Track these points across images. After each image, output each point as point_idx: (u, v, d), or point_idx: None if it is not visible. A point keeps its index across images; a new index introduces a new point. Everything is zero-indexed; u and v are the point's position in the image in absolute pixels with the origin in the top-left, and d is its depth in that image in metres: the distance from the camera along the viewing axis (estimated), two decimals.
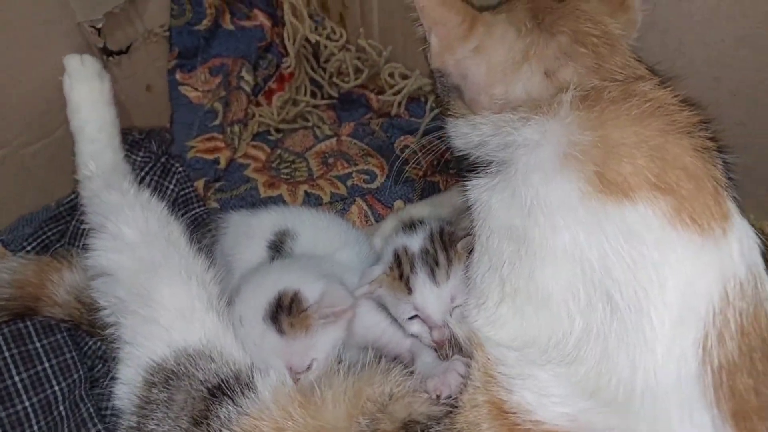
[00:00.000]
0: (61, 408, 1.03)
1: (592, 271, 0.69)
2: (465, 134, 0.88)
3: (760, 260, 0.71)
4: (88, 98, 1.09)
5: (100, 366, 1.07)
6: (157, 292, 0.85)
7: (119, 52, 1.21)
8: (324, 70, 1.42)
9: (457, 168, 1.30)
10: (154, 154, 1.21)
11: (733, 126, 1.08)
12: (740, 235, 0.70)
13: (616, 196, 0.68)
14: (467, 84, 0.86)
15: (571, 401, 0.67)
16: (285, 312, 0.83)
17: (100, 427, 1.02)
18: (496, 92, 0.83)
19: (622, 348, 0.67)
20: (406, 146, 1.33)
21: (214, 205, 1.24)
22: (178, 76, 1.30)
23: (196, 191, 1.22)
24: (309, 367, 0.83)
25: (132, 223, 0.92)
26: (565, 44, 0.81)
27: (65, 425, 1.02)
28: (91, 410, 1.03)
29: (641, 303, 0.67)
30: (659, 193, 0.68)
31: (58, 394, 1.04)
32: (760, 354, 0.66)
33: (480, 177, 0.81)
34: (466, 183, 0.83)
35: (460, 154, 0.91)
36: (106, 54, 1.18)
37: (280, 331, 0.83)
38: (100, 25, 1.13)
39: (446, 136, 0.93)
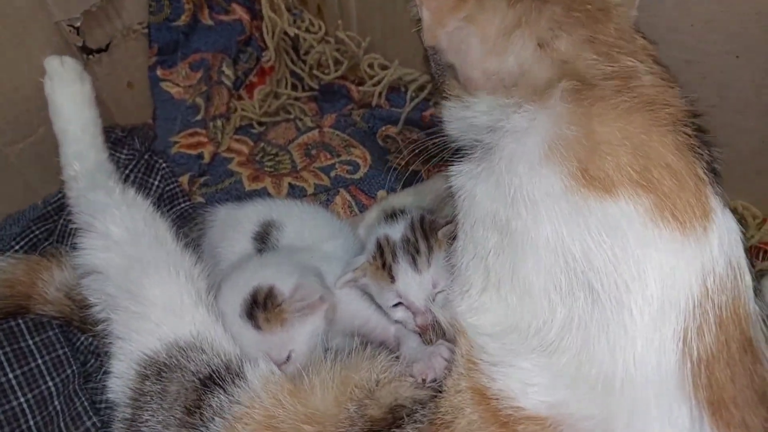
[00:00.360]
0: (56, 403, 1.04)
1: (574, 262, 0.70)
2: (459, 118, 0.86)
3: (741, 253, 0.72)
4: (70, 100, 1.09)
5: (92, 361, 1.08)
6: (146, 289, 0.87)
7: (99, 51, 1.21)
8: (304, 62, 1.43)
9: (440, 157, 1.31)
10: (137, 151, 1.22)
11: (704, 109, 1.10)
12: (721, 231, 0.70)
13: (598, 192, 0.69)
14: (460, 59, 0.84)
15: (551, 391, 0.69)
16: (260, 308, 0.85)
17: (95, 419, 1.03)
18: (490, 66, 0.81)
19: (603, 338, 0.68)
20: (388, 136, 1.35)
21: (200, 199, 1.25)
22: (158, 72, 1.31)
23: (181, 186, 1.23)
24: (288, 358, 0.85)
25: (119, 222, 0.93)
26: (559, 13, 0.79)
27: (60, 419, 1.03)
28: (86, 404, 1.05)
29: (622, 296, 0.68)
30: (641, 191, 0.69)
31: (53, 389, 1.05)
32: (737, 344, 0.68)
33: (464, 163, 0.81)
34: (451, 169, 0.83)
35: (454, 143, 0.90)
36: (85, 52, 1.18)
37: (257, 326, 0.84)
38: (78, 24, 1.14)
39: (442, 121, 0.91)
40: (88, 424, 1.04)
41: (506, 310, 0.75)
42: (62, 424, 1.03)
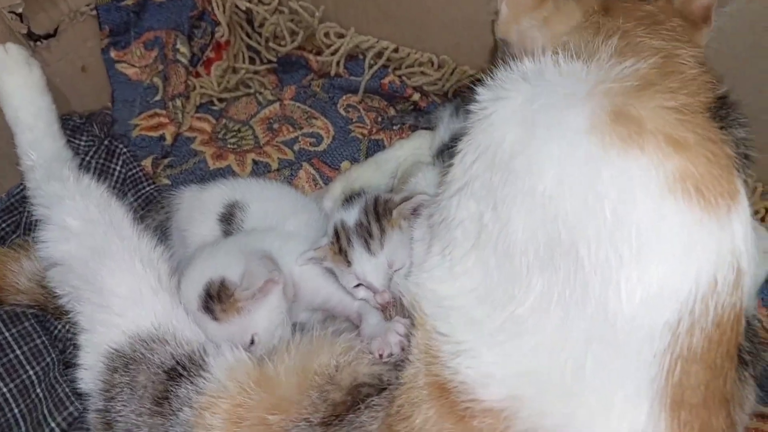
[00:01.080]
0: (38, 390, 1.03)
1: (563, 225, 0.60)
2: None
3: (755, 253, 0.62)
4: (18, 88, 1.03)
5: (71, 348, 1.06)
6: (105, 280, 0.84)
7: (47, 36, 1.13)
8: (259, 35, 1.35)
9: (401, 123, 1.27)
10: (96, 137, 1.16)
11: None
12: (745, 219, 0.60)
13: (625, 138, 0.59)
14: (526, 54, 0.77)
15: (513, 383, 0.63)
16: (215, 300, 0.83)
17: (78, 404, 1.02)
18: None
19: (580, 319, 0.59)
20: (350, 105, 1.30)
21: (165, 181, 1.20)
22: (112, 54, 1.23)
23: (144, 170, 1.17)
24: (252, 342, 0.83)
25: (74, 213, 0.89)
26: (629, 27, 0.72)
27: (44, 406, 1.02)
28: (67, 390, 1.03)
29: (612, 270, 0.58)
30: (671, 149, 0.58)
31: (34, 377, 1.03)
32: (725, 348, 0.60)
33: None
34: (486, 84, 0.72)
35: None
36: (32, 39, 1.10)
37: (215, 318, 0.83)
38: (20, 10, 1.05)
39: None
40: (71, 408, 1.02)
41: (483, 275, 0.68)
42: (46, 411, 1.02)
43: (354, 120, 1.27)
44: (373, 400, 0.71)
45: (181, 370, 0.78)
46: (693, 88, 0.64)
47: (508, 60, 0.76)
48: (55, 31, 1.14)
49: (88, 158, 1.13)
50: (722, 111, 0.66)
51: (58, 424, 1.01)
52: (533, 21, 0.80)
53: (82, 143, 1.15)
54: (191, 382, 0.77)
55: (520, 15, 0.81)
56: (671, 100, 0.61)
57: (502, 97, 0.69)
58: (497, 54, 0.89)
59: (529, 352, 0.63)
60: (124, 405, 0.80)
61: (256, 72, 1.35)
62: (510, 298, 0.64)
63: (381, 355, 0.76)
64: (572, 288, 0.60)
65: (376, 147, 1.23)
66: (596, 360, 0.60)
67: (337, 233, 0.89)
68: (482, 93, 0.72)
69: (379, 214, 0.87)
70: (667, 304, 0.58)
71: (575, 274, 0.59)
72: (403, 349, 0.75)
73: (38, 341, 1.06)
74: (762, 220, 1.13)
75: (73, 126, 1.16)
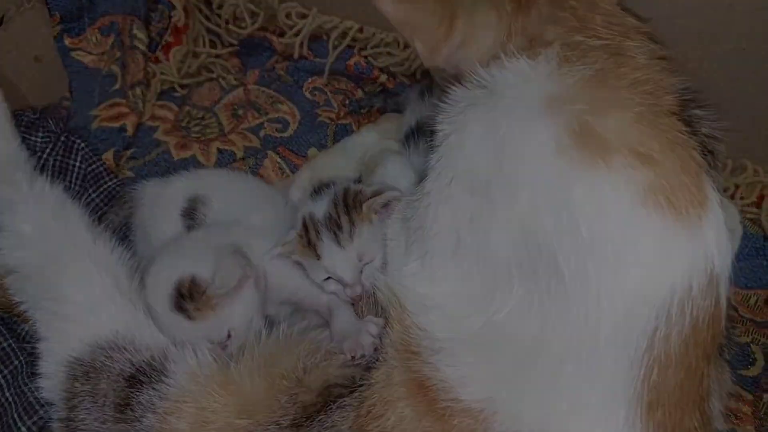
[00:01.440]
0: (7, 395, 0.99)
1: (544, 241, 0.60)
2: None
3: (730, 255, 0.62)
4: None
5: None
6: (61, 287, 0.81)
7: None
8: (219, 16, 1.28)
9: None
10: (53, 133, 1.09)
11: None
12: (717, 224, 0.60)
13: (592, 156, 0.59)
14: (462, 73, 0.76)
15: (492, 386, 0.63)
16: (187, 299, 0.79)
17: (47, 408, 0.99)
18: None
19: (560, 328, 0.60)
20: (316, 88, 1.24)
21: (129, 174, 1.14)
22: (67, 41, 1.16)
23: (105, 164, 1.11)
24: (229, 336, 0.80)
25: (28, 219, 0.86)
26: (546, 12, 0.70)
27: (13, 410, 0.98)
28: (37, 394, 1.00)
29: (590, 283, 0.58)
30: (639, 163, 0.58)
31: (2, 381, 0.99)
32: (702, 350, 0.60)
33: (458, 106, 0.71)
34: (444, 108, 0.72)
35: None
36: None
37: (189, 317, 0.79)
38: None
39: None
40: (41, 413, 0.98)
41: (463, 282, 0.68)
42: (15, 415, 0.98)
43: (321, 104, 1.22)
44: (344, 401, 0.69)
45: (141, 377, 0.75)
46: (649, 86, 0.63)
47: (450, 82, 0.75)
48: (1, 19, 1.07)
49: (45, 156, 1.06)
50: (686, 110, 0.64)
51: (28, 429, 0.97)
52: (453, 47, 0.76)
53: (39, 140, 1.08)
54: (153, 388, 0.74)
55: (437, 46, 0.77)
56: (630, 109, 0.61)
57: (462, 129, 0.68)
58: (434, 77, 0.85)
59: (506, 356, 0.63)
60: (87, 413, 0.77)
61: (217, 56, 1.28)
62: (490, 302, 0.65)
63: (353, 357, 0.73)
64: (552, 297, 0.61)
65: (344, 132, 1.18)
66: (573, 366, 0.60)
67: (305, 226, 0.85)
68: (444, 127, 0.71)
69: (349, 206, 0.83)
70: (644, 312, 0.58)
71: (556, 285, 0.60)
72: (375, 350, 0.72)
73: (5, 344, 1.01)
74: (732, 197, 1.10)
75: (27, 122, 1.09)
